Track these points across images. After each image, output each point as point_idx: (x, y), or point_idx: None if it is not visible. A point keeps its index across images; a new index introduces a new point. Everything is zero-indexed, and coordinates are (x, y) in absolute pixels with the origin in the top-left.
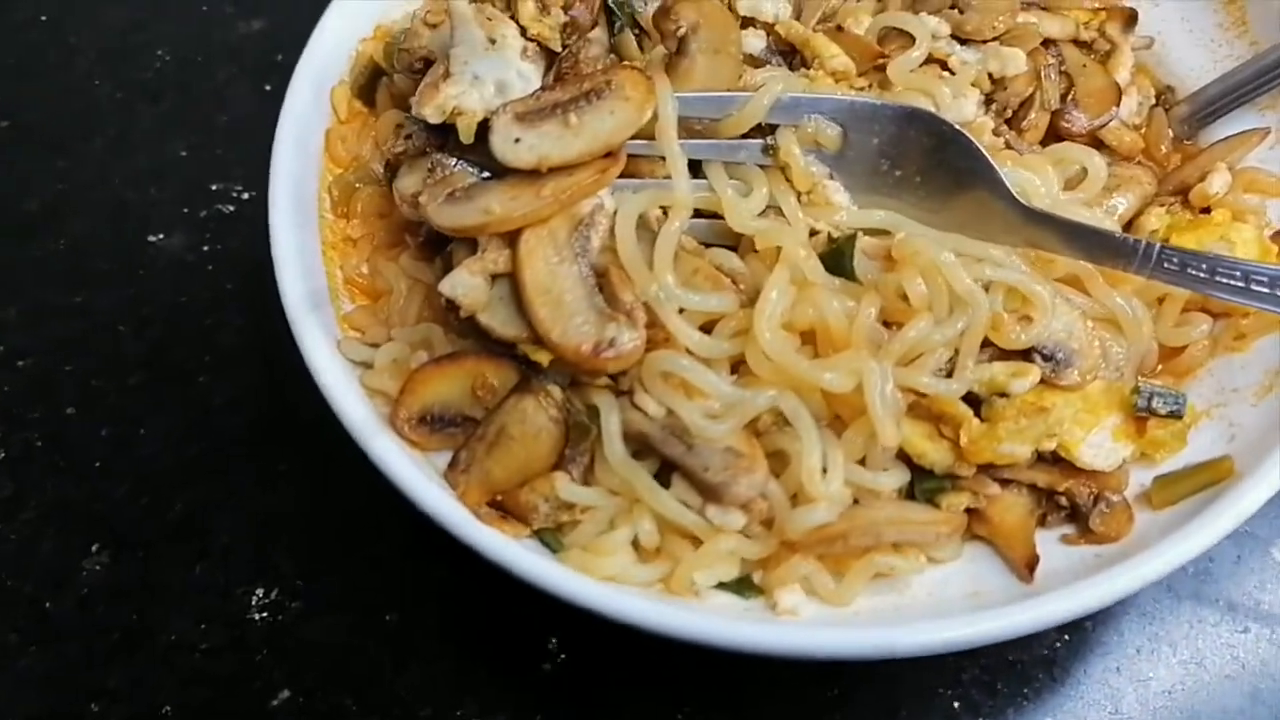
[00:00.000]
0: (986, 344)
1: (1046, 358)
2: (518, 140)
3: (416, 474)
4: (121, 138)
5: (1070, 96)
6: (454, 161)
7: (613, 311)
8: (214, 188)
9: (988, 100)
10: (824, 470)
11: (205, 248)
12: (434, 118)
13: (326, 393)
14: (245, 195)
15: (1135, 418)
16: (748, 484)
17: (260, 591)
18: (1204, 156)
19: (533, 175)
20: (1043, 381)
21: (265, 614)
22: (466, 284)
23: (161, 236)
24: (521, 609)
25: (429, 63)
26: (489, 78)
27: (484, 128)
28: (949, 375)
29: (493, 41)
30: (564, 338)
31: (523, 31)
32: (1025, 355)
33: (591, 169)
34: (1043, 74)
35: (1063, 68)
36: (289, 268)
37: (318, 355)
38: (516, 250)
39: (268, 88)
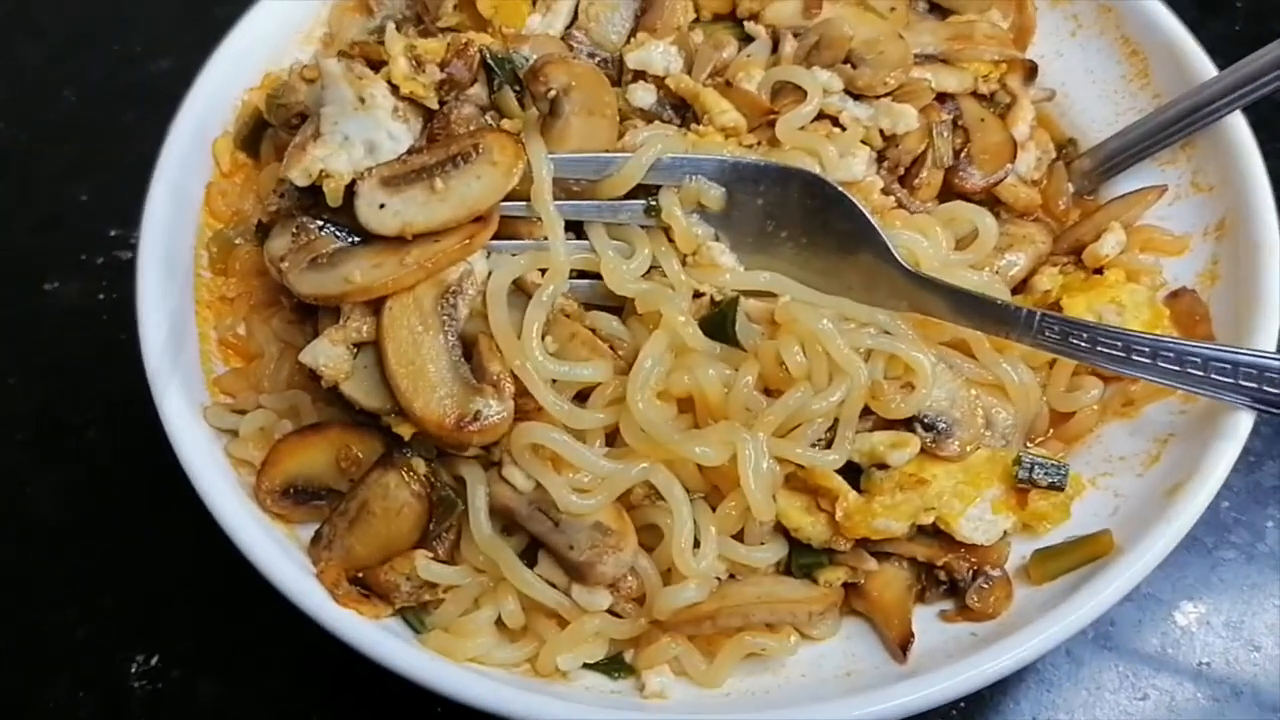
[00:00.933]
0: (867, 412)
1: (928, 427)
2: (382, 206)
3: (273, 551)
4: (23, 181)
5: (965, 152)
6: (320, 225)
7: (479, 383)
8: (113, 233)
9: (880, 157)
10: (696, 545)
11: (100, 296)
12: (301, 180)
13: (184, 463)
14: None
15: (1016, 489)
16: (614, 563)
17: (142, 656)
18: (1100, 214)
19: (398, 241)
20: (923, 451)
21: (145, 681)
22: (328, 353)
23: (57, 284)
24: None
25: (305, 117)
26: (358, 139)
27: (352, 191)
28: (828, 445)
29: (362, 101)
30: (426, 410)
31: (395, 90)
32: (907, 424)
33: (459, 234)
34: (935, 131)
35: (960, 122)
36: (152, 331)
37: (177, 424)
38: (380, 319)
39: None
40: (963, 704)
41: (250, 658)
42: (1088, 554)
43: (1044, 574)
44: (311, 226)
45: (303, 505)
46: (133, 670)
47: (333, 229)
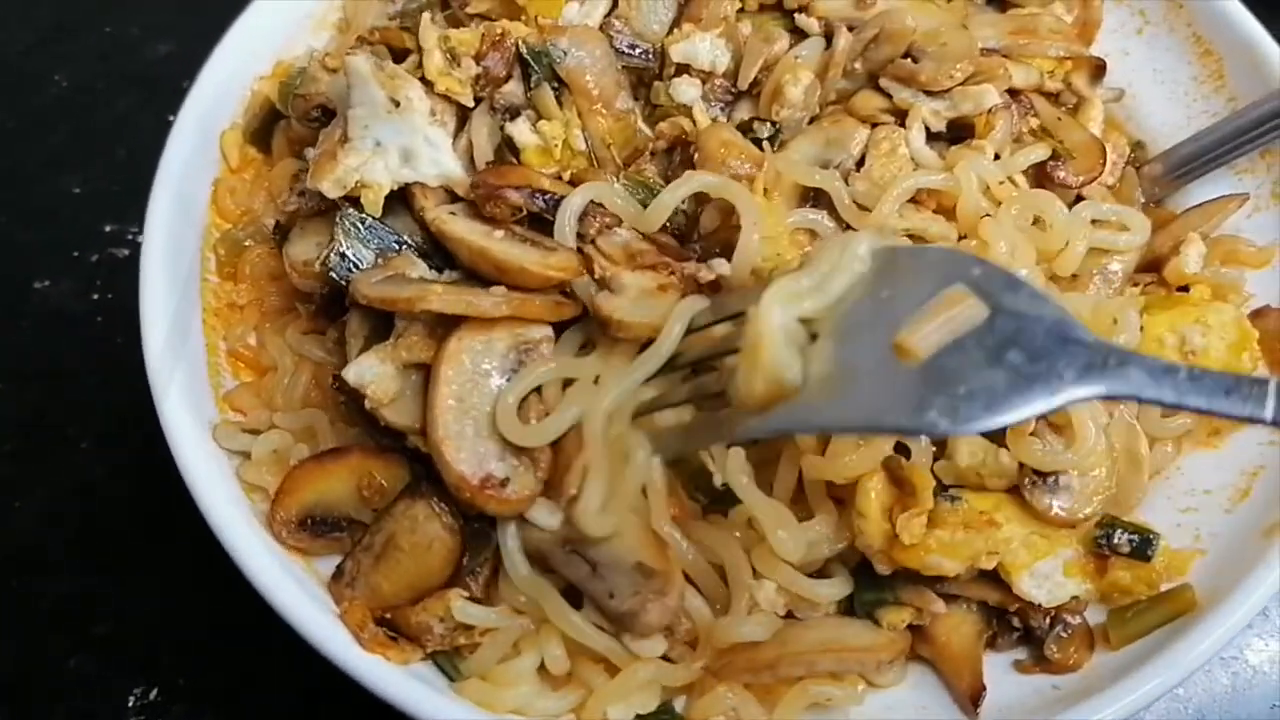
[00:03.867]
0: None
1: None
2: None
3: (293, 589)
4: (11, 172)
5: (1060, 149)
6: (400, 245)
7: (519, 452)
8: (107, 229)
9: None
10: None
11: (95, 296)
12: (333, 192)
13: (194, 491)
14: (141, 238)
15: (1094, 554)
16: (659, 611)
17: (139, 689)
18: (1177, 224)
19: (483, 282)
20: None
21: (144, 717)
22: (376, 372)
23: (48, 283)
24: None
25: (326, 110)
26: (392, 145)
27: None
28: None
29: (396, 104)
30: (455, 456)
31: (429, 87)
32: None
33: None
34: (1020, 117)
35: (1038, 122)
36: (157, 343)
37: (185, 448)
38: (444, 344)
39: (171, 118)
40: None
41: (256, 691)
42: (1168, 613)
43: (1122, 637)
44: (396, 249)
45: (321, 537)
46: (130, 705)
47: (414, 253)
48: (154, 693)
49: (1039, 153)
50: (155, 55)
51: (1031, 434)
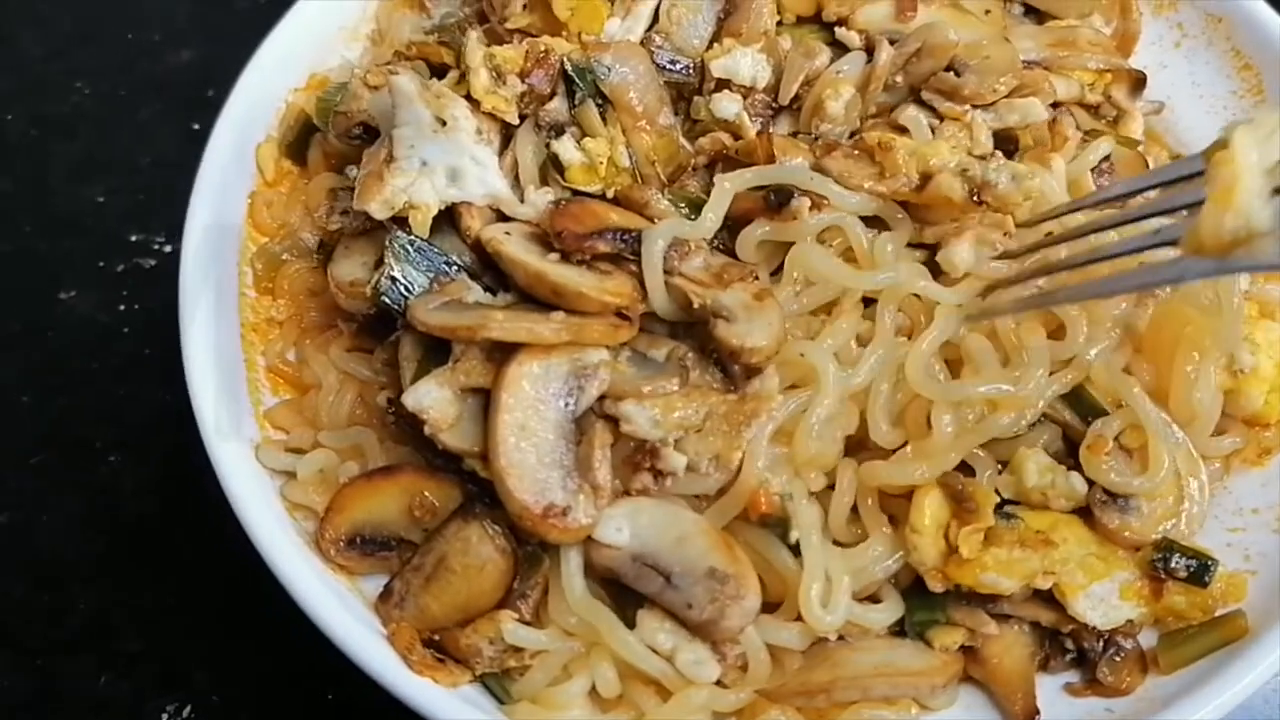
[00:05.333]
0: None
1: (1110, 493)
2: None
3: (339, 610)
4: (34, 181)
5: (1106, 162)
6: (453, 269)
7: (580, 479)
8: (133, 239)
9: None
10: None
11: (121, 307)
12: (381, 213)
13: (240, 512)
14: (168, 248)
15: (1150, 577)
16: (740, 614)
17: (172, 707)
18: None
19: (542, 307)
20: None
21: None
22: (435, 397)
23: (73, 293)
24: None
25: (368, 128)
26: (439, 164)
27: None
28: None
29: (442, 123)
30: (519, 484)
31: (475, 105)
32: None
33: (605, 319)
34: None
35: (1084, 135)
36: (198, 359)
37: (230, 469)
38: (504, 369)
39: (195, 126)
40: None
41: (291, 706)
42: (1219, 639)
43: (1173, 662)
44: (449, 272)
45: (370, 556)
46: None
47: (466, 276)
48: (187, 709)
49: (1105, 146)
50: (177, 62)
51: (1106, 454)
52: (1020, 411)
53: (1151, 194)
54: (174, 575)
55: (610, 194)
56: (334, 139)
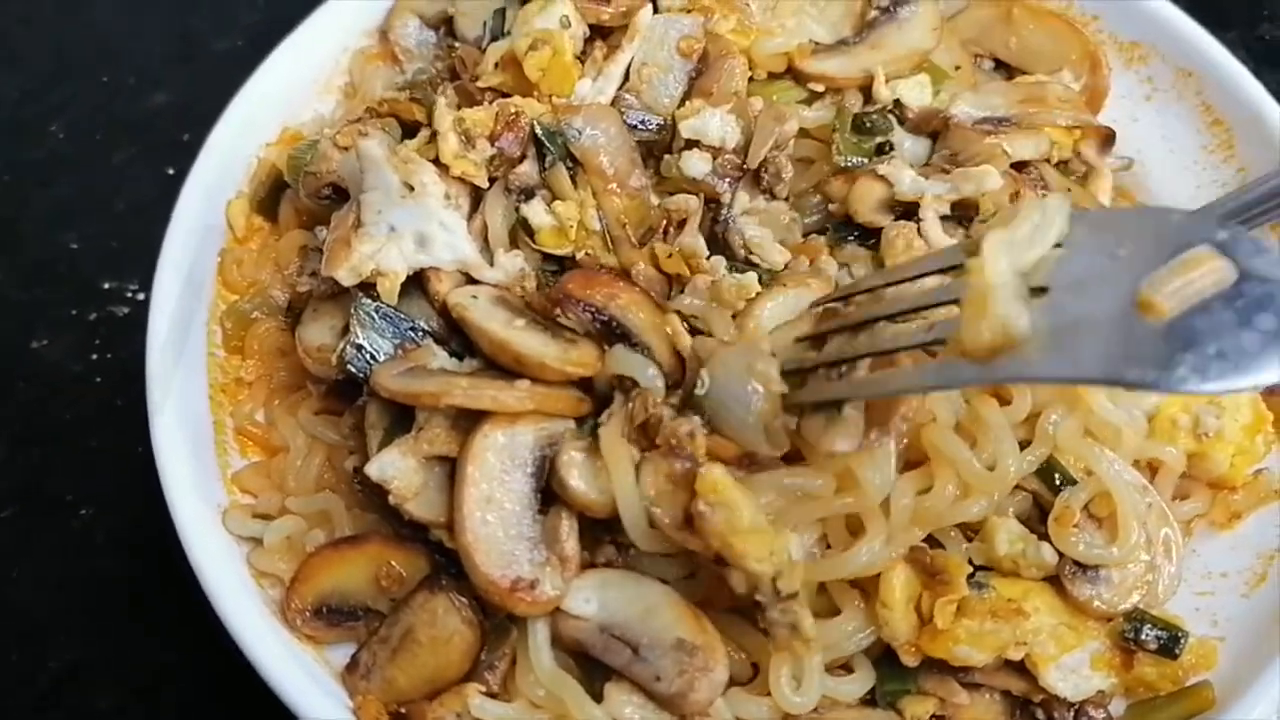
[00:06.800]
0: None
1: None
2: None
3: (305, 684)
4: (7, 226)
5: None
6: (419, 334)
7: (546, 550)
8: (106, 286)
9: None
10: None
11: (94, 356)
12: (349, 280)
13: (204, 580)
14: (141, 295)
15: (1121, 647)
16: (708, 687)
17: None
18: None
19: (506, 374)
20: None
21: None
22: (398, 466)
23: (46, 342)
24: None
25: (337, 189)
26: (407, 230)
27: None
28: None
29: (410, 188)
30: (486, 560)
31: (443, 170)
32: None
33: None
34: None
35: (1044, 191)
36: (165, 420)
37: (195, 538)
38: (470, 439)
39: (170, 171)
40: None
41: None
42: (1185, 711)
43: None
44: (415, 338)
45: (337, 626)
46: None
47: (433, 341)
48: None
49: None
50: (153, 105)
51: (1075, 525)
52: (991, 497)
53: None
54: (146, 633)
55: (579, 256)
56: (304, 198)
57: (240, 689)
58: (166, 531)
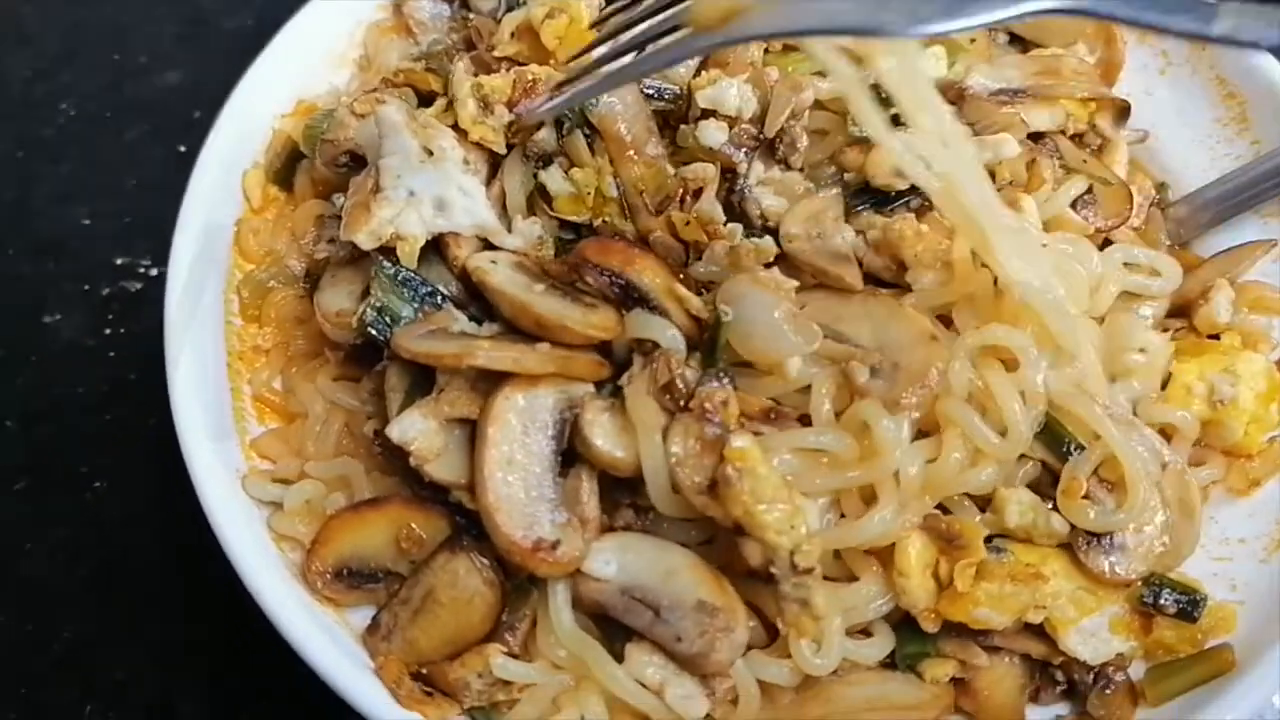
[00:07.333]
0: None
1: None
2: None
3: (326, 644)
4: (18, 203)
5: (1088, 193)
6: (440, 299)
7: (567, 512)
8: (118, 262)
9: None
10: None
11: (107, 331)
12: (368, 244)
13: (225, 543)
14: (153, 271)
15: (1140, 611)
16: (729, 647)
17: None
18: (1205, 269)
19: (527, 337)
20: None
21: None
22: (420, 428)
23: (58, 317)
24: None
25: (355, 156)
26: (426, 194)
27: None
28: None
29: (429, 153)
30: (508, 520)
31: (462, 135)
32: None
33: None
34: (1042, 162)
35: (1061, 163)
36: (183, 387)
37: (216, 501)
38: (491, 400)
39: (182, 149)
40: None
41: None
42: (1206, 673)
43: (1160, 695)
44: (435, 302)
45: (357, 588)
46: None
47: (452, 306)
48: None
49: (1078, 186)
50: (164, 84)
51: (1084, 496)
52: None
53: None
54: (160, 603)
55: (597, 224)
56: (321, 167)
57: (254, 658)
58: (179, 503)
